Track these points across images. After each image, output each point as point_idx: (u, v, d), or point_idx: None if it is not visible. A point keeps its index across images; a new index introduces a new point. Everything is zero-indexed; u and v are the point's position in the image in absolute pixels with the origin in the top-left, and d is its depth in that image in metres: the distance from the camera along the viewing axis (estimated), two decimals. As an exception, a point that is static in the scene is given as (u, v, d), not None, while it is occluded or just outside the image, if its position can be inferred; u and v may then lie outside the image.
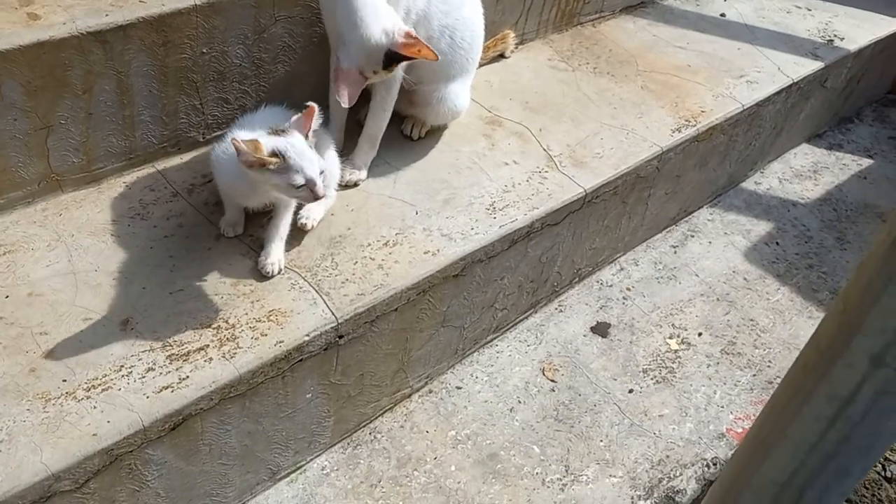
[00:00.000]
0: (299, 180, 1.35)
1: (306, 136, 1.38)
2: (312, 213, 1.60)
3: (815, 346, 0.73)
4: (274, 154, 1.33)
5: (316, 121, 1.39)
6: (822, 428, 0.74)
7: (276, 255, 1.50)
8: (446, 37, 1.70)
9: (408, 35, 1.45)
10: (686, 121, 2.18)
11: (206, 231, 1.57)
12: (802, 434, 0.76)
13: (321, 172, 1.38)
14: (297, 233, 1.60)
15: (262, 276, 1.50)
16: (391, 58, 1.49)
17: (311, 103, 1.39)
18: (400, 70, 1.65)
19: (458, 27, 1.71)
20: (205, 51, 1.60)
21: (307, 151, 1.36)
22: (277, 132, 1.38)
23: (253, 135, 1.38)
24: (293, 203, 1.52)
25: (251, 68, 1.71)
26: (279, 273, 1.50)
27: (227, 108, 1.73)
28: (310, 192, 1.37)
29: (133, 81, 1.54)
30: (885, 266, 0.65)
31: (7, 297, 1.37)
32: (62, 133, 1.50)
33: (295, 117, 1.40)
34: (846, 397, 0.71)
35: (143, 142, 1.63)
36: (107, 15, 1.45)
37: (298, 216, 1.57)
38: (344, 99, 1.48)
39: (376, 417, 1.76)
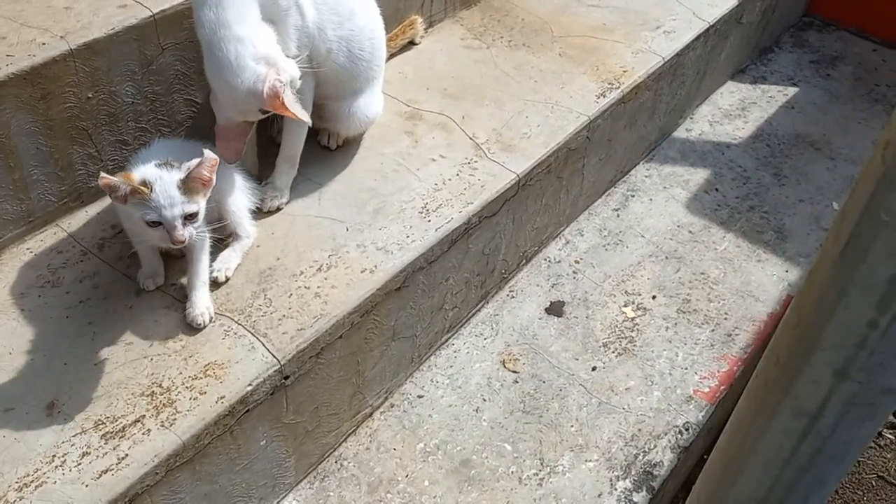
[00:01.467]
0: (151, 216, 1.27)
1: (185, 179, 1.29)
2: (227, 264, 1.50)
3: (775, 360, 0.69)
4: (143, 183, 1.26)
5: (205, 170, 1.31)
6: (792, 443, 0.70)
7: (202, 303, 1.41)
8: (343, 49, 1.60)
9: (275, 96, 1.35)
10: (609, 84, 2.13)
11: (125, 287, 1.47)
12: (773, 450, 0.72)
13: (191, 218, 1.30)
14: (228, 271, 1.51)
15: (193, 329, 1.41)
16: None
17: (207, 152, 1.30)
18: (308, 89, 1.56)
19: (355, 37, 1.61)
20: (90, 95, 1.48)
21: (172, 189, 1.27)
22: (167, 165, 1.30)
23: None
24: (206, 242, 1.43)
25: (145, 104, 1.59)
26: (210, 322, 1.41)
27: (126, 150, 1.61)
28: (166, 234, 1.29)
29: (17, 142, 1.41)
30: (837, 277, 0.61)
31: (-86, 401, 1.26)
32: (-53, 210, 1.38)
33: (193, 162, 1.30)
34: (814, 412, 0.67)
35: (42, 202, 1.52)
36: (-29, 77, 1.32)
37: (213, 268, 1.48)
38: (228, 156, 1.43)
39: (340, 444, 1.70)
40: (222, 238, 1.52)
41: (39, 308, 1.41)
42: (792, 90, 2.91)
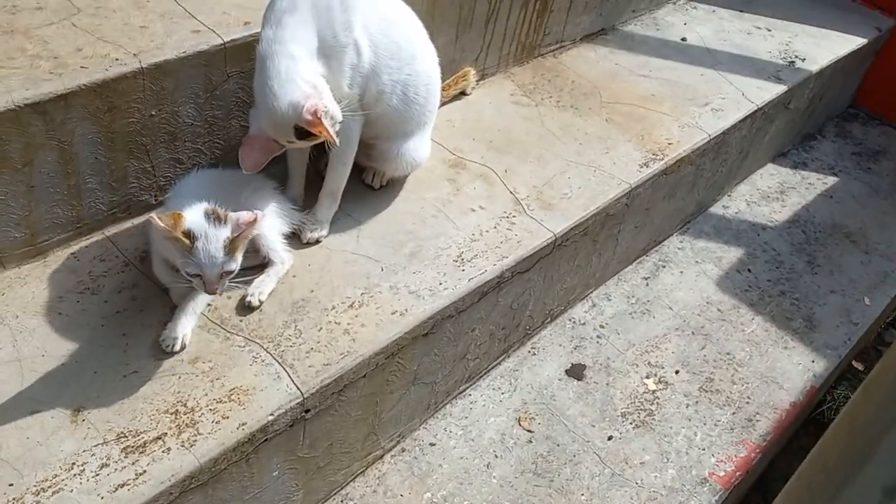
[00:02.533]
0: (192, 270, 1.30)
1: (232, 237, 1.32)
2: (260, 288, 1.52)
3: (822, 466, 0.68)
4: (187, 234, 1.29)
5: (251, 229, 1.34)
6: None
7: (179, 329, 1.40)
8: (398, 92, 1.63)
9: (314, 112, 1.38)
10: (653, 154, 2.15)
11: (161, 302, 1.49)
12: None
13: (228, 274, 1.33)
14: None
15: (222, 353, 1.42)
16: (302, 131, 1.43)
17: (256, 211, 1.33)
18: (354, 125, 1.59)
19: (411, 82, 1.64)
20: (154, 113, 1.53)
21: (217, 247, 1.30)
22: (215, 216, 1.32)
23: (189, 202, 1.36)
24: None
25: (204, 126, 1.63)
26: (180, 350, 1.39)
27: (179, 169, 1.65)
28: (203, 284, 1.33)
29: (77, 150, 1.45)
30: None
31: (-54, 391, 1.28)
32: (2, 209, 1.41)
33: (240, 217, 1.33)
34: (859, 524, 0.66)
35: (91, 209, 1.55)
36: (46, 84, 1.36)
37: (247, 292, 1.50)
38: (246, 164, 1.45)
39: (348, 483, 1.70)
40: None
41: (76, 313, 1.43)
42: (832, 179, 2.92)
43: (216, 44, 1.55)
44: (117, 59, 1.45)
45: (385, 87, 1.60)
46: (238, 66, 1.61)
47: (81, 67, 1.41)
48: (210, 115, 1.63)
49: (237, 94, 1.65)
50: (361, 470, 1.71)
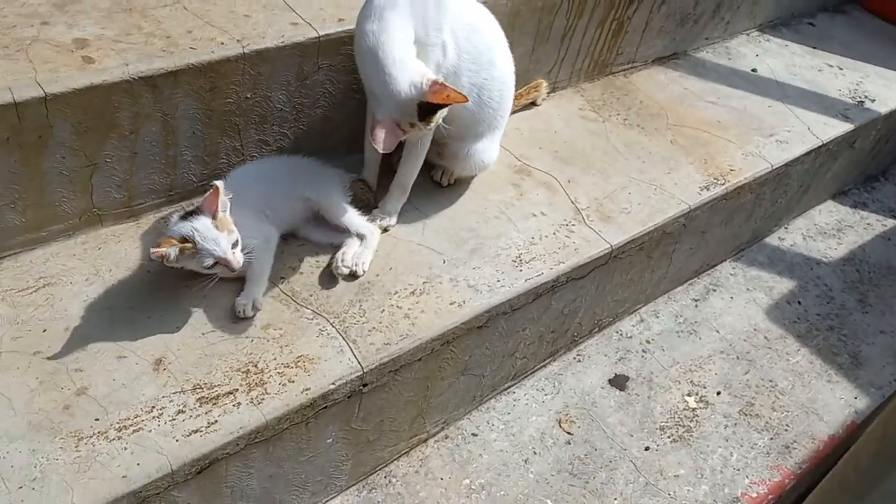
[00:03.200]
0: (209, 261, 1.41)
1: (213, 216, 1.42)
2: (362, 258, 1.64)
3: (854, 466, 0.74)
4: (184, 239, 1.40)
5: (221, 200, 1.42)
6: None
7: (249, 295, 1.51)
8: (474, 95, 1.70)
9: (434, 83, 1.47)
10: (715, 179, 2.20)
11: (240, 271, 1.60)
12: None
13: (235, 245, 1.43)
14: (333, 278, 1.63)
15: (291, 323, 1.52)
16: (424, 109, 1.51)
17: (215, 182, 1.42)
18: (438, 121, 1.67)
19: (487, 86, 1.72)
20: (249, 96, 1.64)
21: (211, 231, 1.40)
22: (187, 214, 1.43)
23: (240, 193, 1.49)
24: (271, 241, 1.58)
25: (291, 112, 1.75)
26: (252, 314, 1.50)
27: (265, 150, 1.77)
28: (224, 268, 1.43)
29: (178, 123, 1.58)
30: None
31: (45, 330, 1.41)
32: (106, 171, 1.54)
33: (204, 200, 1.43)
34: (887, 523, 0.72)
35: (183, 180, 1.67)
36: (158, 60, 1.49)
37: (346, 264, 1.61)
38: (380, 145, 1.50)
39: (392, 461, 1.78)
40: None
41: (163, 273, 1.54)
42: (891, 222, 2.91)
43: (311, 36, 1.67)
44: (222, 43, 1.57)
45: (462, 88, 1.68)
46: (328, 59, 1.72)
47: (190, 48, 1.54)
48: (298, 102, 1.74)
49: (324, 85, 1.76)
50: (406, 450, 1.79)
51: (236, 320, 1.49)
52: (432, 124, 1.57)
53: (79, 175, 1.51)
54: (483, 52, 1.69)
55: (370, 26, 1.50)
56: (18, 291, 1.46)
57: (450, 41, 1.59)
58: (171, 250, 1.38)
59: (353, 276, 1.64)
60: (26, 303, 1.44)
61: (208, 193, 1.41)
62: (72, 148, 1.46)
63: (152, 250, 1.37)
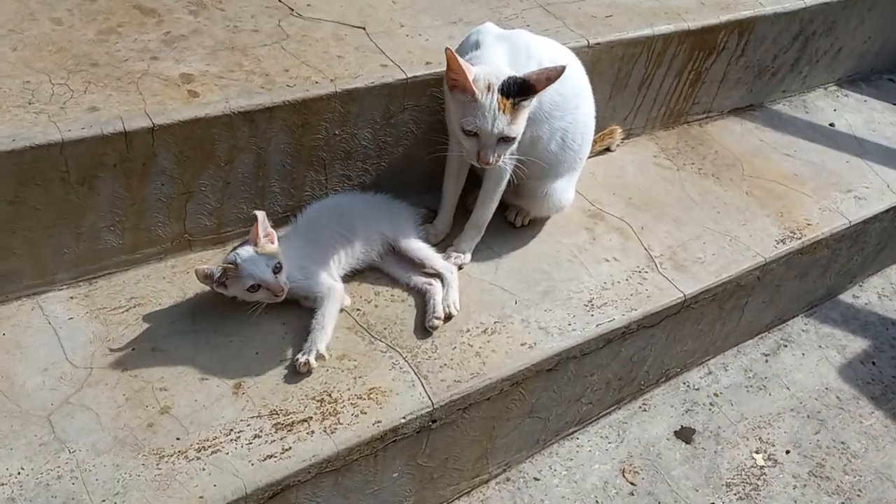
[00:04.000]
0: (249, 282, 1.47)
1: (255, 244, 1.49)
2: (452, 298, 1.68)
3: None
4: (230, 263, 1.49)
5: (261, 227, 1.49)
6: None
7: (310, 349, 1.49)
8: (557, 138, 1.75)
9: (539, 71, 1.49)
10: (791, 232, 2.17)
11: (317, 301, 1.64)
12: None
13: (278, 270, 1.48)
14: (406, 312, 1.66)
15: (365, 354, 1.55)
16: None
17: (255, 212, 1.50)
18: (508, 163, 1.69)
19: (571, 129, 1.76)
20: (337, 133, 1.71)
21: (254, 257, 1.47)
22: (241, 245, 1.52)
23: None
24: (335, 293, 1.59)
25: (375, 150, 1.80)
26: (314, 367, 1.49)
27: (348, 184, 1.82)
28: (268, 292, 1.48)
29: (270, 156, 1.64)
30: None
31: (133, 349, 1.47)
32: (201, 199, 1.61)
33: (254, 230, 1.51)
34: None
35: (269, 210, 1.73)
36: (257, 96, 1.56)
37: (438, 315, 1.64)
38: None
39: (453, 500, 1.78)
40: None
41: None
42: (974, 285, 2.81)
43: (399, 78, 1.72)
44: (316, 82, 1.64)
45: (543, 134, 1.72)
46: (414, 100, 1.78)
47: (287, 86, 1.61)
48: (382, 140, 1.80)
49: (408, 125, 1.82)
50: (467, 490, 1.80)
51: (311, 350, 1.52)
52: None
53: (175, 201, 1.58)
54: (568, 98, 1.73)
55: (473, 53, 1.56)
56: (111, 310, 1.53)
57: None
58: (214, 269, 1.46)
59: (448, 319, 1.67)
60: (118, 321, 1.51)
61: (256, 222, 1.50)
62: (171, 176, 1.53)
63: (196, 268, 1.46)
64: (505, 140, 1.50)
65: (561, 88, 1.68)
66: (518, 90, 1.48)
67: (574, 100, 1.74)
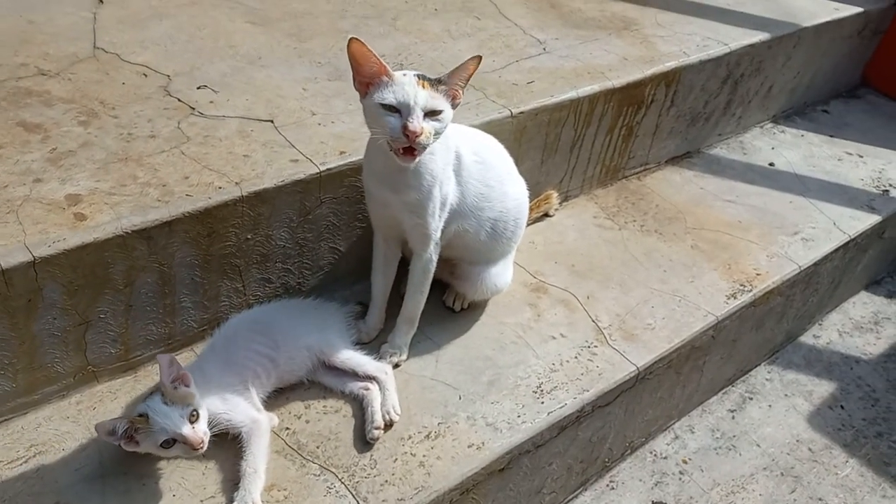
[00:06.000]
0: (161, 437, 1.29)
1: (163, 393, 1.32)
2: (391, 403, 1.56)
3: None
4: (140, 415, 1.31)
5: (166, 374, 1.32)
6: None
7: (245, 499, 1.34)
8: (487, 228, 1.66)
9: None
10: (741, 285, 2.09)
11: (242, 423, 1.50)
12: None
13: (195, 419, 1.32)
14: (340, 425, 1.53)
15: (297, 481, 1.41)
16: None
17: (159, 356, 1.33)
18: (434, 252, 1.61)
19: (502, 218, 1.68)
20: (249, 237, 1.59)
21: (164, 408, 1.30)
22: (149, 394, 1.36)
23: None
24: (262, 427, 1.44)
25: (295, 248, 1.69)
26: None
27: (268, 287, 1.70)
28: (185, 446, 1.31)
29: (175, 272, 1.52)
30: None
31: (33, 508, 1.31)
32: (101, 326, 1.48)
33: (162, 374, 1.33)
34: None
35: (183, 327, 1.60)
36: (153, 211, 1.44)
37: (377, 425, 1.52)
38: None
39: None
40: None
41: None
42: (931, 310, 2.77)
43: (312, 172, 1.62)
44: (220, 188, 1.52)
45: (470, 227, 1.63)
46: (331, 192, 1.67)
47: (187, 195, 1.49)
48: (301, 237, 1.68)
49: (328, 218, 1.71)
50: None
51: (235, 485, 1.38)
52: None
53: (71, 334, 1.44)
54: (495, 188, 1.64)
55: None
56: (8, 464, 1.37)
57: (461, 182, 1.55)
58: (118, 424, 1.28)
59: (388, 426, 1.55)
60: (15, 476, 1.36)
61: (161, 365, 1.33)
62: (63, 308, 1.40)
63: (97, 424, 1.28)
64: (431, 114, 1.36)
65: (485, 179, 1.60)
66: (433, 80, 1.39)
67: (500, 187, 1.65)
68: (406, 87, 1.35)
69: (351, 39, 1.33)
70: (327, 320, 1.64)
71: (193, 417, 1.32)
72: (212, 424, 1.37)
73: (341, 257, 1.80)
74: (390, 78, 1.36)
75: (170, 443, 1.30)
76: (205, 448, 1.32)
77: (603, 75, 2.19)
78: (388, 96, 1.34)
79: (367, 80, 1.37)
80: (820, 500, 2.04)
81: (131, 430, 1.29)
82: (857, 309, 2.74)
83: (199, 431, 1.32)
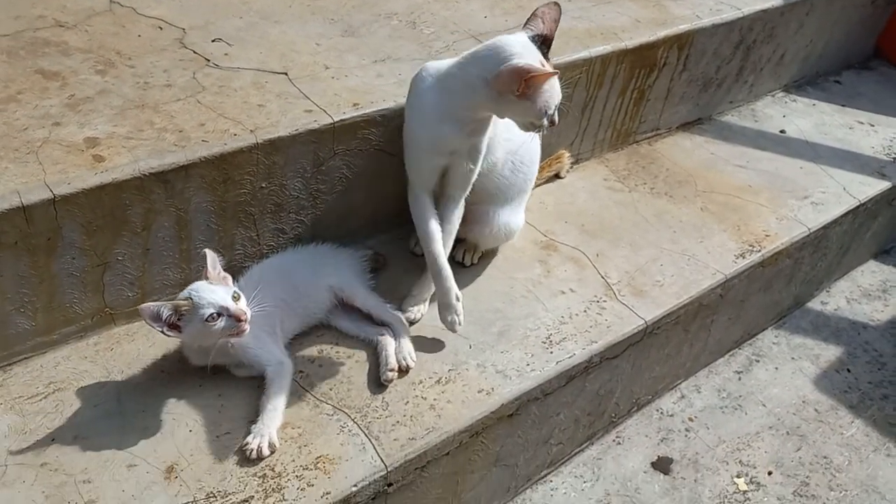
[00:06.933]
0: (208, 311, 1.32)
1: (207, 279, 1.38)
2: (407, 349, 1.59)
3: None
4: (183, 299, 1.35)
5: (211, 264, 1.39)
6: None
7: (261, 432, 1.37)
8: (509, 163, 1.71)
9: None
10: (750, 246, 2.10)
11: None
12: None
13: (237, 299, 1.36)
14: (353, 369, 1.56)
15: (310, 420, 1.44)
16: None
17: (206, 250, 1.40)
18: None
19: (520, 152, 1.72)
20: (264, 185, 1.61)
21: (209, 287, 1.35)
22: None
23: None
24: (286, 368, 1.47)
25: (308, 199, 1.71)
26: (268, 455, 1.36)
27: (282, 238, 1.73)
28: (231, 319, 1.34)
29: (192, 217, 1.54)
30: None
31: (53, 440, 1.35)
32: (119, 269, 1.50)
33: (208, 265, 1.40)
34: None
35: (199, 273, 1.62)
36: (170, 155, 1.46)
37: (392, 367, 1.54)
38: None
39: (424, 564, 1.66)
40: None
41: (177, 372, 1.49)
42: (940, 280, 2.78)
43: (326, 123, 1.64)
44: (235, 135, 1.54)
45: (498, 159, 1.67)
46: (345, 144, 1.69)
47: (203, 141, 1.51)
48: (315, 188, 1.70)
49: (341, 170, 1.73)
50: (438, 551, 1.68)
51: (251, 422, 1.41)
52: None
53: (90, 275, 1.47)
54: None
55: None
56: (28, 399, 1.41)
57: None
58: (163, 307, 1.31)
59: (404, 372, 1.57)
60: (35, 410, 1.39)
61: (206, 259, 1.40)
62: (82, 248, 1.43)
63: (141, 306, 1.30)
64: None
65: None
66: (543, 46, 1.44)
67: None
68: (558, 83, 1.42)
69: (515, 66, 1.37)
70: (345, 262, 1.67)
71: (236, 297, 1.36)
72: (240, 361, 1.44)
73: (354, 211, 1.81)
74: (551, 79, 1.40)
75: (214, 317, 1.32)
76: (247, 327, 1.36)
77: (616, 36, 2.19)
78: (555, 100, 1.42)
79: (526, 87, 1.37)
80: (825, 457, 2.06)
81: (174, 317, 1.32)
82: (866, 277, 2.75)
83: (242, 305, 1.36)
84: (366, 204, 1.83)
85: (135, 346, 1.54)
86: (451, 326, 1.63)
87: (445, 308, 1.62)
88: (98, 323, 1.53)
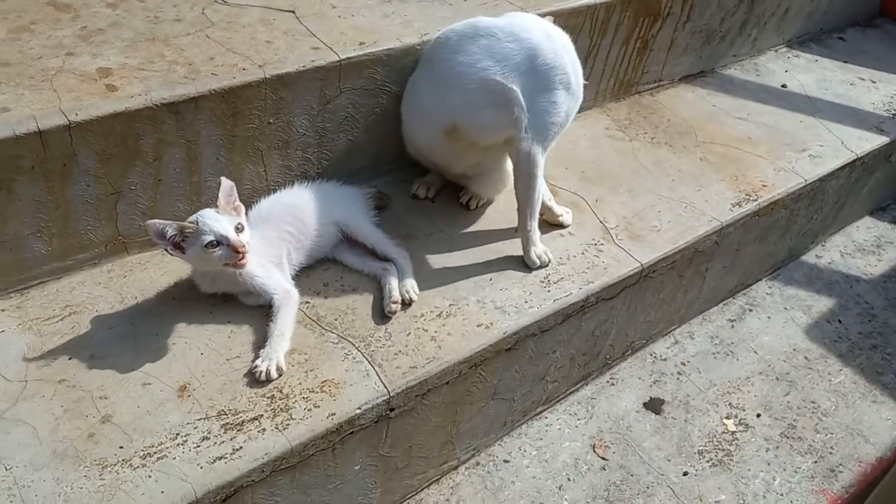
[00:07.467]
0: (208, 238, 1.37)
1: (217, 207, 1.42)
2: (410, 284, 1.64)
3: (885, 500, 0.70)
4: (190, 222, 1.39)
5: (223, 193, 1.43)
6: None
7: (270, 356, 1.43)
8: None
9: None
10: (746, 195, 2.14)
11: (264, 296, 1.59)
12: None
13: (240, 231, 1.40)
14: (357, 301, 1.61)
15: (316, 347, 1.50)
16: None
17: (223, 178, 1.44)
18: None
19: None
20: (271, 121, 1.65)
21: (214, 215, 1.39)
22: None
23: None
24: (293, 297, 1.53)
25: (315, 137, 1.74)
26: (276, 377, 1.43)
27: (289, 175, 1.76)
28: (230, 249, 1.38)
29: (202, 150, 1.58)
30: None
31: (70, 358, 1.40)
32: (131, 198, 1.55)
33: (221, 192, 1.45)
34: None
35: (208, 205, 1.67)
36: (180, 87, 1.50)
37: (395, 299, 1.60)
38: None
39: (422, 489, 1.74)
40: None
41: (188, 299, 1.55)
42: (933, 237, 2.82)
43: (332, 60, 1.67)
44: (244, 69, 1.57)
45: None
46: (351, 83, 1.72)
47: (212, 74, 1.55)
48: (321, 126, 1.74)
49: (347, 109, 1.76)
50: (436, 477, 1.75)
51: (261, 344, 1.46)
52: None
53: (104, 203, 1.51)
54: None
55: None
56: (45, 320, 1.46)
57: None
58: (169, 226, 1.36)
59: (407, 305, 1.63)
60: (52, 331, 1.44)
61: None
62: (96, 175, 1.47)
63: (148, 222, 1.35)
64: None
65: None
66: None
67: None
68: None
69: None
70: (350, 198, 1.72)
71: (239, 229, 1.40)
72: (248, 289, 1.48)
73: (358, 150, 1.85)
74: None
75: (214, 244, 1.37)
76: (245, 260, 1.40)
77: (620, -16, 2.20)
78: None
79: None
80: (813, 402, 2.12)
81: (179, 237, 1.37)
82: (861, 233, 2.79)
83: (244, 238, 1.40)
84: (370, 144, 1.86)
85: (147, 274, 1.59)
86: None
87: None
88: (112, 251, 1.58)
